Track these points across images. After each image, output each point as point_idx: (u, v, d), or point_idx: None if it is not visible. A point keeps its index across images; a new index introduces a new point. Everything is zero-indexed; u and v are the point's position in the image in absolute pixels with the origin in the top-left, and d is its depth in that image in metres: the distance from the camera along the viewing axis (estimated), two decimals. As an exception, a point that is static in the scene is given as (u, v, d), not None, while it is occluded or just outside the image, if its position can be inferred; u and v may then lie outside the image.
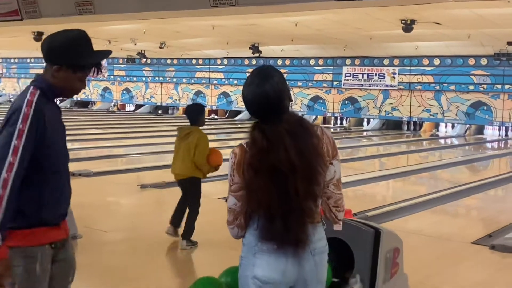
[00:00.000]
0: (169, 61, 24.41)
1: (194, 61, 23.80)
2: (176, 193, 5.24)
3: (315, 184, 1.99)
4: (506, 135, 17.95)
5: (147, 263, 4.48)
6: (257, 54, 18.01)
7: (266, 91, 1.99)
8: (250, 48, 17.58)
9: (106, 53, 2.23)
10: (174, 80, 24.62)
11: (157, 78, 25.06)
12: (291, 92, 2.12)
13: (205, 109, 5.92)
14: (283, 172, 1.95)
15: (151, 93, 25.55)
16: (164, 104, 25.36)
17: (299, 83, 21.18)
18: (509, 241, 4.98)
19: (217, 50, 20.64)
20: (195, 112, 5.13)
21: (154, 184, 7.63)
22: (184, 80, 24.33)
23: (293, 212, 1.97)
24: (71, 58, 2.07)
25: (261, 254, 2.02)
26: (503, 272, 4.37)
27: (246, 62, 22.04)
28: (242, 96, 2.06)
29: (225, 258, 3.21)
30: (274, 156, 1.95)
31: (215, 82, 23.37)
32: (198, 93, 24.15)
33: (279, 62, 21.30)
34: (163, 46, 18.08)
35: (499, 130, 18.13)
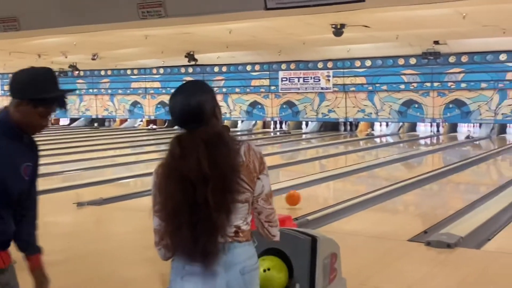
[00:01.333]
0: (103, 73, 23.95)
1: (129, 71, 23.46)
2: (114, 209, 5.13)
3: (230, 197, 1.95)
4: (438, 131, 18.67)
5: (87, 283, 4.36)
6: (193, 62, 17.97)
7: (190, 101, 1.98)
8: (185, 56, 17.51)
9: (69, 90, 2.25)
10: (109, 91, 24.17)
11: (91, 90, 24.53)
12: (227, 108, 2.11)
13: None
14: (193, 181, 1.91)
15: (86, 106, 24.98)
16: (100, 117, 24.84)
17: (237, 89, 21.26)
18: (444, 236, 5.15)
19: (152, 60, 20.44)
20: None
21: (91, 201, 7.45)
22: (120, 91, 23.93)
23: (202, 223, 1.92)
24: (31, 93, 2.07)
25: (189, 277, 1.98)
26: (439, 268, 4.51)
27: (183, 70, 21.93)
28: (169, 105, 2.04)
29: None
30: (185, 164, 1.91)
31: (152, 91, 23.12)
32: (135, 103, 23.80)
33: (216, 69, 21.33)
34: (95, 57, 17.73)
35: (431, 126, 18.82)
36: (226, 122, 22.24)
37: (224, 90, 21.51)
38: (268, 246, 2.83)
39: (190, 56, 17.44)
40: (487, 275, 4.38)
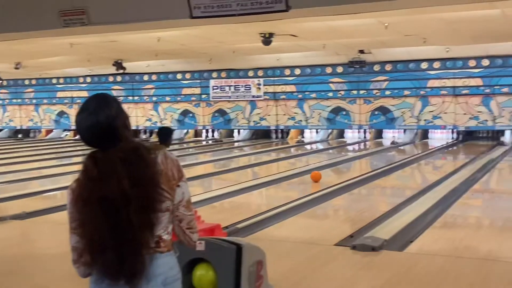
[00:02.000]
0: (27, 82, 23.12)
1: (54, 81, 22.75)
2: (38, 223, 4.94)
3: (152, 213, 1.94)
4: (365, 137, 19.24)
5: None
6: (121, 71, 17.65)
7: (98, 118, 1.92)
8: (113, 65, 17.19)
9: None
10: (34, 101, 23.35)
11: (15, 100, 23.60)
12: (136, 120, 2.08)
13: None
14: (115, 203, 1.87)
15: (10, 117, 24.00)
16: (24, 127, 23.92)
17: (168, 98, 21.07)
18: (368, 240, 5.30)
19: (78, 68, 19.92)
20: (167, 134, 5.82)
21: (14, 216, 7.15)
22: (45, 101, 23.15)
23: (127, 243, 1.90)
24: None
25: None
26: (364, 271, 4.64)
27: (111, 79, 21.51)
28: (75, 124, 1.97)
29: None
30: (105, 186, 1.86)
31: (78, 101, 22.50)
32: (61, 113, 23.10)
33: (145, 77, 21.07)
34: (18, 66, 17.08)
35: (358, 132, 19.38)
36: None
37: (154, 99, 21.26)
38: (193, 257, 2.82)
39: (118, 65, 17.13)
40: (410, 276, 4.54)
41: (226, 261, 2.83)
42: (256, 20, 5.40)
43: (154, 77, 21.04)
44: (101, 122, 1.92)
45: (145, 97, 21.34)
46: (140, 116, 21.64)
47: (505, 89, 16.53)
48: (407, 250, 5.35)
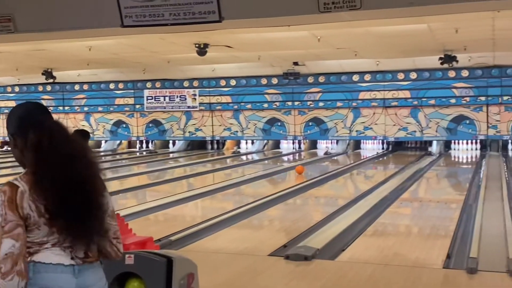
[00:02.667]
0: (-50, 91, 22.00)
1: (-20, 90, 21.78)
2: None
3: None
4: (299, 147, 19.52)
5: None
6: (51, 80, 17.13)
7: None
8: (43, 74, 16.65)
9: None
10: (-42, 111, 22.24)
11: None
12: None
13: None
14: None
15: None
16: None
17: (100, 108, 20.60)
18: (301, 249, 5.37)
19: (6, 77, 19.17)
20: (84, 137, 5.34)
21: None
22: (-30, 111, 22.12)
23: None
24: None
25: None
26: (296, 280, 4.68)
27: (40, 88, 20.80)
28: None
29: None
30: None
31: (6, 111, 21.62)
32: (-13, 124, 22.11)
33: (77, 87, 20.52)
34: None
35: (293, 143, 19.63)
36: (89, 143, 21.41)
37: (86, 109, 20.74)
38: (122, 271, 2.76)
39: (47, 74, 16.61)
40: (341, 284, 4.62)
41: (156, 275, 2.78)
42: (189, 30, 5.39)
43: (85, 87, 20.53)
44: None
45: (76, 107, 20.79)
46: (71, 127, 20.93)
47: (432, 101, 17.23)
48: (338, 258, 5.45)
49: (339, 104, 18.16)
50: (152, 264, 2.82)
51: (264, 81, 18.70)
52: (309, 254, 5.19)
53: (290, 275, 4.80)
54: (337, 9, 4.03)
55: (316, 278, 4.74)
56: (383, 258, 5.43)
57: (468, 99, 16.88)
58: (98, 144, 21.35)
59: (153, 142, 20.98)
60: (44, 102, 20.71)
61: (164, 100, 19.94)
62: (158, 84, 19.87)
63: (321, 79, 18.14)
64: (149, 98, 20.07)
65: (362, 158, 17.14)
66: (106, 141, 21.17)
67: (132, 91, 20.24)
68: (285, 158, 18.09)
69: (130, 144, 21.31)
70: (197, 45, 11.70)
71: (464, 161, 16.39)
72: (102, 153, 20.05)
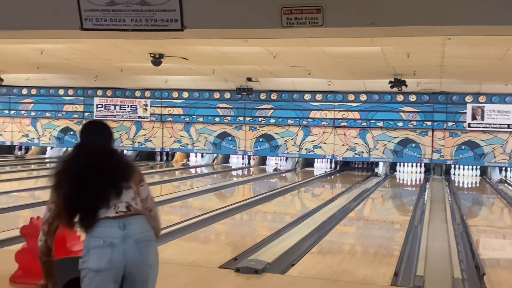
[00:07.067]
0: None
1: None
2: None
3: None
4: (249, 163, 19.56)
5: None
6: (-2, 83, 16.58)
7: None
8: (-11, 75, 16.10)
9: None
10: None
11: None
12: None
13: None
14: None
15: None
16: None
17: (47, 114, 20.06)
18: (252, 263, 5.36)
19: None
20: None
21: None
22: None
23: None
24: None
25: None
26: (247, 293, 4.67)
27: (-15, 90, 20.08)
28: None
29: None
30: None
31: None
32: None
33: (24, 91, 19.93)
34: None
35: (243, 158, 19.66)
36: (33, 148, 20.81)
37: (32, 114, 20.13)
38: (74, 276, 2.68)
39: (-5, 76, 16.08)
40: (291, 298, 4.63)
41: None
42: (150, 37, 5.34)
43: (33, 91, 19.96)
44: None
45: (23, 112, 20.16)
46: (16, 131, 20.38)
47: (380, 123, 17.66)
48: (289, 273, 5.47)
49: (290, 121, 18.36)
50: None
51: (217, 95, 18.71)
52: (259, 268, 5.19)
53: (240, 287, 4.78)
54: (299, 25, 4.10)
55: (266, 291, 4.73)
56: (332, 273, 5.49)
57: (414, 123, 17.40)
58: (43, 150, 20.75)
59: (101, 151, 20.52)
60: (-12, 105, 20.04)
61: (115, 109, 19.63)
62: (109, 93, 19.55)
63: (273, 96, 18.30)
64: (99, 106, 19.71)
65: (310, 176, 17.30)
66: (52, 147, 20.60)
67: (82, 98, 19.83)
68: (234, 172, 18.09)
69: (77, 152, 20.78)
70: (152, 55, 11.59)
71: (409, 183, 16.83)
72: (47, 160, 19.49)
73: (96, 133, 3.08)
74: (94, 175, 2.74)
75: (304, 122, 18.28)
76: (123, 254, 2.61)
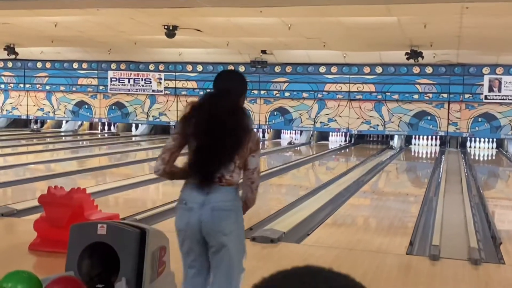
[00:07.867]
0: None
1: None
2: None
3: None
4: (264, 136, 19.46)
5: None
6: (13, 56, 16.64)
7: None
8: (5, 49, 16.15)
9: None
10: None
11: None
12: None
13: None
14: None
15: None
16: None
17: (62, 88, 20.14)
18: (267, 232, 5.39)
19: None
20: None
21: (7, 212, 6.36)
22: None
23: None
24: None
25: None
26: (263, 262, 4.69)
27: (1, 64, 20.16)
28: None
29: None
30: None
31: (-37, 85, 20.93)
32: None
33: (39, 65, 19.98)
34: None
35: (257, 132, 19.59)
36: (49, 122, 20.95)
37: (47, 87, 20.23)
38: (94, 240, 2.70)
39: (10, 49, 16.11)
40: (306, 266, 4.65)
41: (128, 245, 2.73)
42: (163, 5, 5.27)
43: (48, 65, 20.01)
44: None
45: (38, 85, 20.25)
46: (32, 105, 20.51)
47: (395, 96, 17.49)
48: (304, 242, 5.49)
49: (305, 95, 18.25)
50: (125, 234, 2.77)
51: (231, 68, 18.60)
52: (275, 237, 5.21)
53: (256, 256, 4.80)
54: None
55: (281, 260, 4.76)
56: (347, 243, 5.50)
57: (430, 95, 17.21)
58: (59, 124, 20.90)
59: (116, 124, 20.65)
60: (4, 79, 20.15)
61: (129, 82, 19.64)
62: (123, 66, 19.54)
63: (288, 69, 18.17)
64: (113, 79, 19.74)
65: (324, 149, 17.25)
66: (67, 121, 20.72)
67: (96, 71, 19.85)
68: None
69: (92, 126, 20.92)
70: (166, 27, 11.52)
71: (424, 156, 16.73)
72: (62, 134, 19.64)
73: (229, 84, 2.97)
74: (208, 145, 2.82)
75: (319, 95, 18.17)
76: (198, 218, 2.79)
